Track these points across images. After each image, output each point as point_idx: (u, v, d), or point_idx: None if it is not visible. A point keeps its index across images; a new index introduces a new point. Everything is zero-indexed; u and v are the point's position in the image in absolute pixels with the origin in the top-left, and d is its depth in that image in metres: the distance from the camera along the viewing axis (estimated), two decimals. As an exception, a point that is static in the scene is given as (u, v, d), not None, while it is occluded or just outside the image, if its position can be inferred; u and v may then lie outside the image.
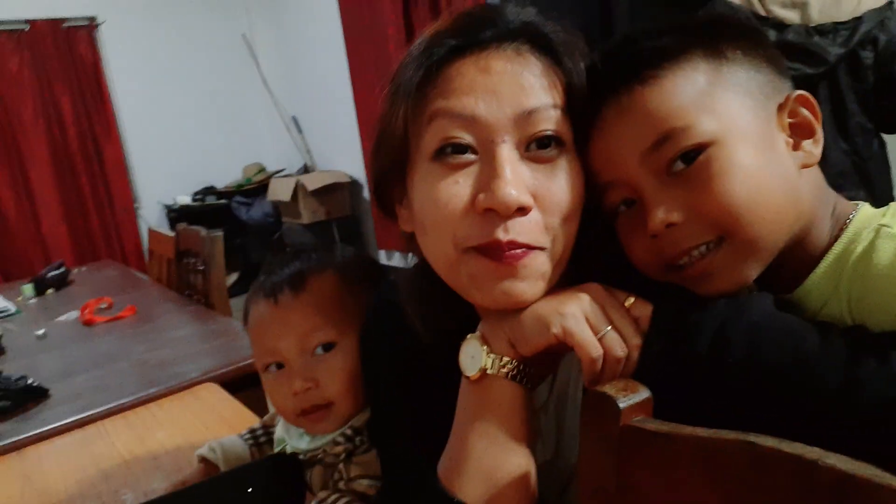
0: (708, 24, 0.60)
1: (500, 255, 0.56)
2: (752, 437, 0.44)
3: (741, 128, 0.55)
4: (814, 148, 0.59)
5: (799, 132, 0.59)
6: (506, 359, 0.58)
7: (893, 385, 0.46)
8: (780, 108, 0.59)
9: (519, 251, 0.56)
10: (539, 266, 0.57)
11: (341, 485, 0.80)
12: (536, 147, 0.57)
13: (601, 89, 0.59)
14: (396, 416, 0.75)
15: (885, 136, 1.91)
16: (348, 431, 0.82)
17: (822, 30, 1.75)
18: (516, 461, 0.59)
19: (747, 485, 0.43)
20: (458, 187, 0.57)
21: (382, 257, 5.29)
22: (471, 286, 0.59)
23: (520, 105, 0.56)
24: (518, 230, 0.55)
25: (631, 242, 0.60)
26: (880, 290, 0.53)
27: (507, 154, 0.56)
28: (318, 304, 0.82)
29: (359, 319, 0.82)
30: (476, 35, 0.58)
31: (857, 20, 1.73)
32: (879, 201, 1.96)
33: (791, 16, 1.77)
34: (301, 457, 0.86)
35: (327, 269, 0.86)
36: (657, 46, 0.58)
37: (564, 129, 0.58)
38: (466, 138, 0.57)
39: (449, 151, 0.57)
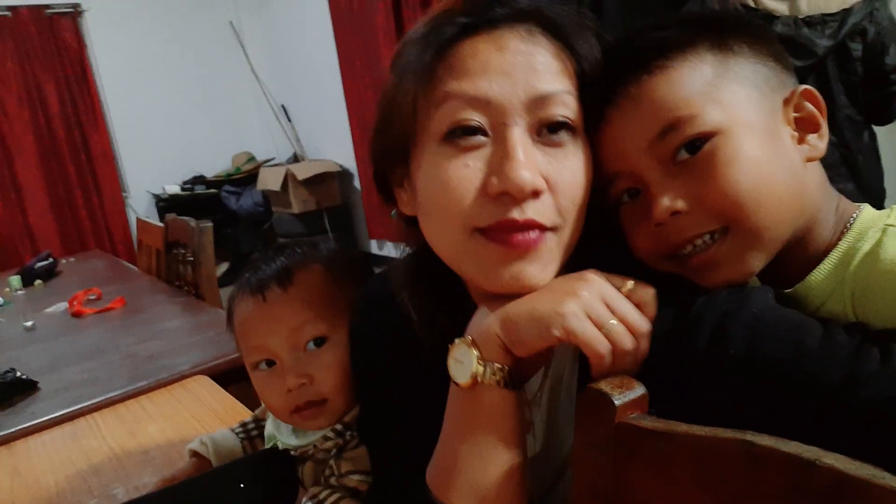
0: (714, 18, 0.60)
1: (510, 238, 0.55)
2: (749, 436, 0.43)
3: (747, 119, 0.56)
4: (818, 142, 0.60)
5: (804, 126, 0.60)
6: (497, 365, 0.56)
7: (894, 383, 0.46)
8: (786, 102, 0.59)
9: (532, 235, 0.55)
10: (550, 249, 0.56)
11: (333, 480, 0.79)
12: (547, 132, 0.57)
13: (609, 80, 0.59)
14: (386, 412, 0.74)
15: (876, 128, 1.92)
16: (338, 427, 0.81)
17: (810, 21, 1.75)
18: (508, 470, 0.58)
19: (744, 484, 0.43)
20: (468, 170, 0.56)
21: (374, 247, 5.29)
22: (477, 271, 0.58)
23: (533, 88, 0.55)
24: (533, 212, 0.55)
25: (634, 232, 0.60)
26: (887, 288, 0.53)
27: (519, 136, 0.55)
28: (308, 298, 0.81)
29: (349, 313, 0.81)
30: (487, 13, 0.57)
31: (846, 11, 1.73)
32: (868, 193, 1.96)
33: (780, 7, 1.77)
34: (292, 452, 0.86)
35: (313, 262, 0.84)
36: (664, 38, 0.58)
37: (575, 115, 0.57)
38: (478, 120, 0.56)
39: (459, 133, 0.56)
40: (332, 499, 0.77)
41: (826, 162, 0.61)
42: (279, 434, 0.87)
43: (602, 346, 0.52)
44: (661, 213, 0.56)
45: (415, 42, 0.60)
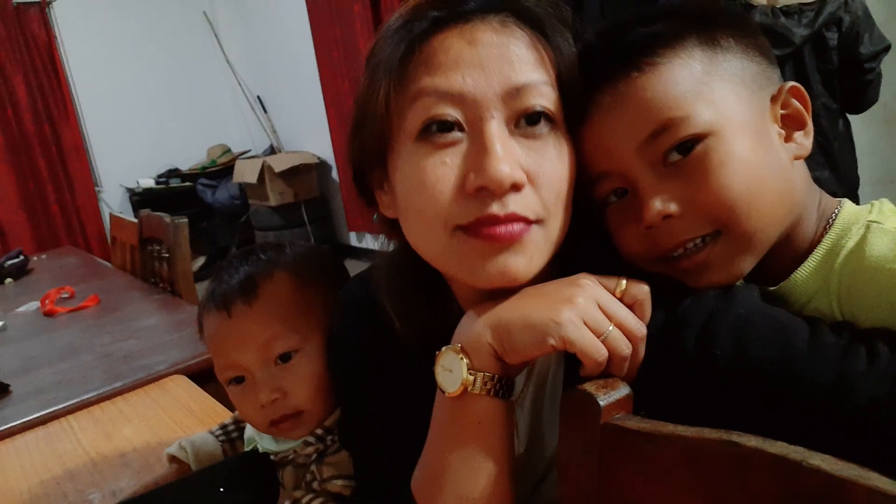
0: (700, 11, 0.59)
1: (492, 232, 0.53)
2: (735, 437, 0.43)
3: (737, 119, 0.55)
4: (805, 140, 0.59)
5: (790, 124, 0.59)
6: (488, 374, 0.55)
7: (883, 383, 0.46)
8: (773, 99, 0.58)
9: (516, 228, 0.53)
10: (536, 242, 0.55)
11: (315, 485, 0.78)
12: (525, 124, 0.55)
13: (595, 76, 0.57)
14: (367, 418, 0.73)
15: (850, 117, 1.94)
16: (319, 431, 0.80)
17: (787, 11, 1.76)
18: (496, 479, 0.57)
19: (730, 485, 0.43)
20: (445, 168, 0.54)
21: (353, 239, 5.26)
22: (462, 268, 0.56)
23: (508, 80, 0.54)
24: (515, 206, 0.53)
25: (622, 233, 0.59)
26: (873, 284, 0.53)
27: (497, 130, 0.53)
28: (274, 310, 0.78)
29: (321, 318, 0.79)
30: (459, 6, 0.56)
31: (822, 1, 1.74)
32: (843, 181, 1.99)
33: (758, -5, 1.78)
34: (272, 457, 0.84)
35: (279, 270, 0.81)
36: (652, 33, 0.56)
37: (554, 106, 0.56)
38: (453, 115, 0.54)
39: (434, 130, 0.54)
40: (314, 503, 0.76)
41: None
42: (259, 439, 0.86)
43: (601, 354, 0.51)
44: (653, 216, 0.55)
45: (386, 38, 0.58)
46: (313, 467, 0.79)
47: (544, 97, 0.55)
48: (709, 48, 0.56)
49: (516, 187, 0.53)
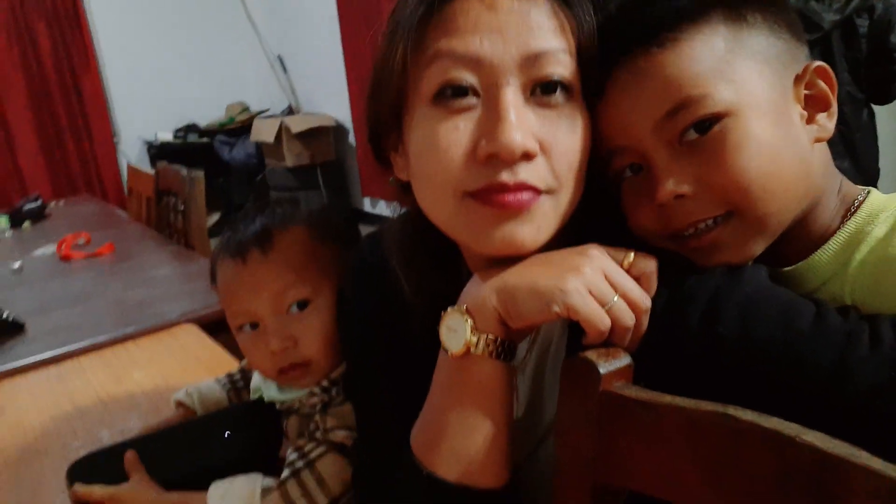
0: None
1: (501, 199, 0.53)
2: (731, 410, 0.43)
3: (758, 99, 0.54)
4: (827, 122, 0.58)
5: (814, 105, 0.58)
6: (491, 336, 0.55)
7: (883, 369, 0.46)
8: (798, 79, 0.57)
9: (525, 196, 0.53)
10: (545, 212, 0.55)
11: (318, 434, 0.80)
12: (541, 92, 0.54)
13: (615, 50, 0.56)
14: (373, 375, 0.74)
15: (875, 107, 1.91)
16: (325, 383, 0.81)
17: (819, -6, 1.72)
18: (493, 439, 0.57)
19: (725, 457, 0.43)
20: (458, 133, 0.54)
21: (367, 204, 5.26)
22: (470, 235, 0.57)
23: (527, 46, 0.53)
24: (525, 175, 0.53)
25: (635, 209, 0.59)
26: None
27: (512, 97, 0.53)
28: (289, 260, 0.79)
29: (333, 274, 0.80)
30: None
31: (855, -14, 1.70)
32: (863, 172, 1.96)
33: (790, -22, 1.74)
34: (277, 406, 0.86)
35: (294, 223, 0.82)
36: (676, 7, 0.55)
37: (572, 75, 0.55)
38: (468, 80, 0.54)
39: (449, 94, 0.54)
40: (317, 451, 0.78)
41: (825, 138, 0.60)
42: (265, 388, 0.88)
43: (604, 324, 0.51)
44: (666, 195, 0.54)
45: (407, 1, 0.58)
46: (317, 417, 0.81)
47: (562, 66, 0.54)
48: (734, 24, 0.54)
49: (528, 156, 0.53)
